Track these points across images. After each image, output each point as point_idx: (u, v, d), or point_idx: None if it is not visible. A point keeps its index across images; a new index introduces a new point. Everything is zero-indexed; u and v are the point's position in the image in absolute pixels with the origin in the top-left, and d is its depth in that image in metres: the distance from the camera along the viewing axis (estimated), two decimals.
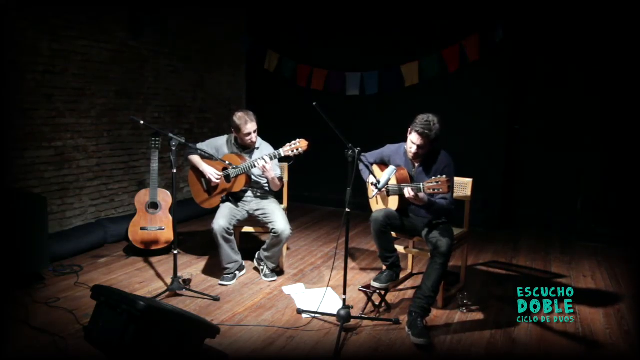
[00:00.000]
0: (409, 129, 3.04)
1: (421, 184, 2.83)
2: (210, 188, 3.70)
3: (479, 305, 3.27)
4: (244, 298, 3.35)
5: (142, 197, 4.13)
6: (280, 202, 3.91)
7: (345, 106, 5.59)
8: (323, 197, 6.22)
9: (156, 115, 5.23)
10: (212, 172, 3.61)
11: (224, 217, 3.51)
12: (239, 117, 3.53)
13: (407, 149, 3.11)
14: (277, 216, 3.54)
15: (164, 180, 5.13)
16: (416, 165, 3.15)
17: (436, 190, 2.75)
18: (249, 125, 3.52)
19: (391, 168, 3.01)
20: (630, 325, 3.02)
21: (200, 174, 3.70)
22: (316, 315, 3.03)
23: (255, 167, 3.47)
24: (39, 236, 3.47)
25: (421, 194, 2.87)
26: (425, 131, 2.94)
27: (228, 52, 6.25)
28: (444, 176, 2.75)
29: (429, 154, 3.09)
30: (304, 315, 3.07)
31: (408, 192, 2.88)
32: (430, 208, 3.00)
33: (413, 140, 3.02)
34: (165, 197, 4.16)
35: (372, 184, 3.03)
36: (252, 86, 6.61)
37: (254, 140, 3.61)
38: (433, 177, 2.80)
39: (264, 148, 3.71)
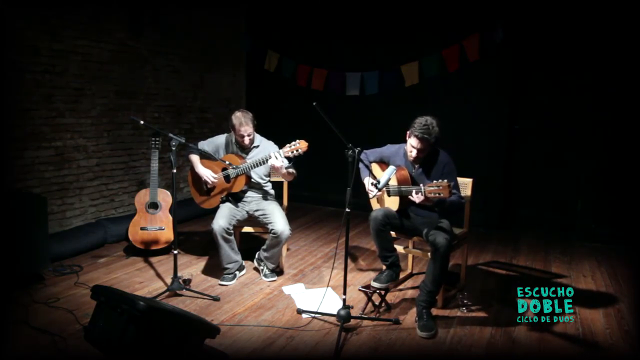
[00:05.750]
0: (408, 133, 3.03)
1: (422, 188, 2.82)
2: (210, 188, 3.70)
3: (479, 305, 3.27)
4: (244, 298, 3.35)
5: (142, 197, 4.13)
6: (280, 202, 3.91)
7: (345, 106, 5.58)
8: (323, 197, 6.21)
9: (156, 115, 5.23)
10: (207, 174, 3.60)
11: (223, 217, 3.50)
12: (237, 117, 3.53)
13: (407, 152, 3.11)
14: (276, 216, 3.54)
15: (164, 180, 5.13)
16: (416, 166, 3.15)
17: (438, 195, 2.75)
18: (244, 128, 3.52)
19: (391, 168, 3.01)
20: (630, 325, 3.02)
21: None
22: (316, 315, 3.03)
23: (255, 167, 3.47)
24: (39, 236, 3.46)
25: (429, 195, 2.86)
26: (425, 135, 2.93)
27: (228, 52, 6.24)
28: (445, 180, 2.74)
29: (428, 155, 3.09)
30: (304, 315, 3.07)
31: (417, 197, 2.85)
32: (440, 205, 2.98)
33: (413, 145, 3.01)
34: (165, 197, 4.16)
35: (372, 184, 3.03)
36: (252, 86, 6.61)
37: (247, 142, 3.60)
38: (434, 182, 2.78)
39: (264, 146, 3.71)
